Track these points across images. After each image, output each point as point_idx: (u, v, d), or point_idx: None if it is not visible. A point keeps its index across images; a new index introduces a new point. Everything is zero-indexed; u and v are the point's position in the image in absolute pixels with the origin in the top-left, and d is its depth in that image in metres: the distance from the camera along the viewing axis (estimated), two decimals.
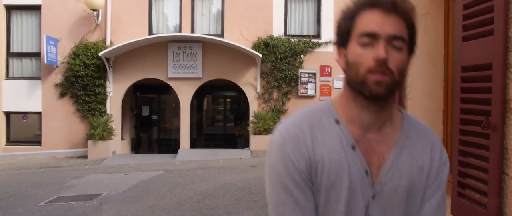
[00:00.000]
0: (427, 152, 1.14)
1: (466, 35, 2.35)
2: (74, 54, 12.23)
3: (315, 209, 1.11)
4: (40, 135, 12.62)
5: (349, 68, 1.06)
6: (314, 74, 12.75)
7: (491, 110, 2.12)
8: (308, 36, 12.91)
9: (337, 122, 1.11)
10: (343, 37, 1.09)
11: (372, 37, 1.01)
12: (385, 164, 1.10)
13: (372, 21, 1.02)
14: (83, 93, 12.26)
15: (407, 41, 1.03)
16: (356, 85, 1.05)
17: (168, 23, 13.20)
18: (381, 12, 1.02)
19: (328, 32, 12.80)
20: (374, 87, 1.01)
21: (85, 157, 11.92)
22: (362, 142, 1.10)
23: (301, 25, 13.19)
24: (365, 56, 1.01)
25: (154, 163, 10.89)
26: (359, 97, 1.07)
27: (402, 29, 1.02)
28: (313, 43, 12.72)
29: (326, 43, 12.75)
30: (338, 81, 12.70)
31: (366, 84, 1.02)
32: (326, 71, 12.77)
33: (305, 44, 12.62)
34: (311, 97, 12.69)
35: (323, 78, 12.77)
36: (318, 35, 12.96)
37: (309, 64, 12.71)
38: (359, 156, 1.08)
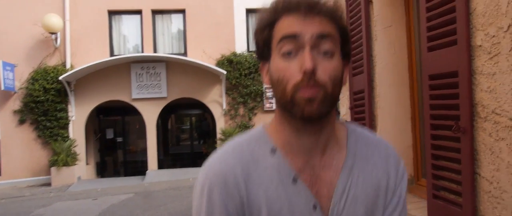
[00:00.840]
0: (381, 168, 0.98)
1: (431, 45, 2.51)
2: (33, 79, 11.88)
3: None
4: None
5: (275, 87, 0.89)
6: None
7: (460, 114, 2.26)
8: None
9: (273, 151, 0.94)
10: (263, 50, 0.93)
11: (294, 42, 0.85)
12: (335, 191, 0.93)
13: (292, 23, 0.86)
14: (44, 118, 11.89)
15: (338, 45, 0.89)
16: (285, 106, 0.88)
17: (129, 43, 13.08)
18: (303, 14, 0.86)
19: None
20: (305, 106, 0.84)
21: (49, 184, 11.52)
22: (305, 172, 0.93)
23: None
24: (290, 70, 0.85)
25: (123, 186, 10.66)
26: (293, 119, 0.90)
27: (329, 28, 0.87)
28: None
29: None
30: None
31: (296, 104, 0.85)
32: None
33: None
34: None
35: None
36: None
37: None
38: (303, 189, 0.91)
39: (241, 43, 12.90)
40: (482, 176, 2.17)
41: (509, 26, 1.94)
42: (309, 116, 0.85)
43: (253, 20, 13.30)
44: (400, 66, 3.48)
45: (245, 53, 12.74)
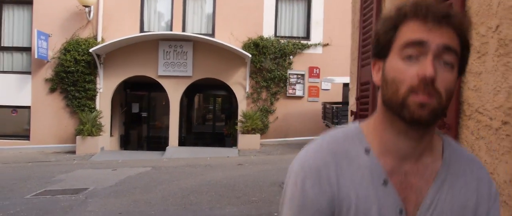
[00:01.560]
0: (472, 188, 0.97)
1: None
2: (65, 50, 12.29)
3: None
4: (29, 130, 12.66)
5: (386, 86, 0.89)
6: (303, 75, 12.93)
7: (446, 111, 2.28)
8: (298, 37, 13.09)
9: (367, 151, 0.95)
10: (382, 48, 0.92)
11: (418, 48, 0.85)
12: (424, 201, 0.93)
13: (419, 29, 0.86)
14: (73, 88, 12.33)
15: (459, 58, 0.88)
16: (394, 107, 0.88)
17: (159, 21, 13.30)
18: (430, 22, 0.85)
19: (318, 34, 13.01)
20: (416, 110, 0.84)
21: (74, 152, 11.98)
22: (396, 176, 0.94)
23: (291, 26, 13.37)
24: (408, 73, 0.85)
25: (142, 160, 11.00)
26: (397, 121, 0.89)
27: (454, 41, 0.86)
28: (303, 45, 12.90)
29: (315, 45, 12.95)
30: (326, 83, 12.89)
31: (406, 106, 0.85)
32: (314, 72, 12.95)
33: (295, 45, 12.80)
34: (300, 97, 12.88)
35: (311, 80, 12.94)
36: (307, 37, 13.15)
37: (298, 65, 12.88)
38: (392, 192, 0.92)
39: (269, 28, 12.93)
40: None
41: (497, 27, 1.94)
42: (418, 120, 0.85)
43: (282, 5, 13.29)
44: None
45: (272, 37, 12.76)
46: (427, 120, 0.85)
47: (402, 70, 0.85)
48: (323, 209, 0.92)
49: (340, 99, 12.41)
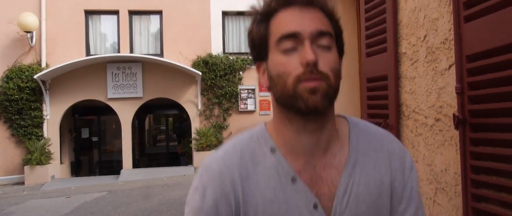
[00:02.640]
0: (385, 164, 0.95)
1: (368, 51, 2.80)
2: (7, 78, 11.85)
3: None
4: None
5: (274, 83, 0.88)
6: (253, 89, 13.19)
7: (388, 113, 2.55)
8: (246, 53, 13.37)
9: (272, 151, 0.93)
10: (260, 49, 0.92)
11: (294, 39, 0.85)
12: (338, 191, 0.90)
13: (290, 20, 0.86)
14: (18, 117, 11.88)
15: (334, 39, 0.89)
16: (287, 101, 0.87)
17: (106, 43, 13.16)
18: (298, 9, 0.87)
19: None
20: (309, 97, 0.83)
21: (22, 183, 11.50)
22: (305, 172, 0.91)
23: (239, 42, 13.63)
24: (291, 64, 0.84)
25: (97, 185, 10.76)
26: (294, 116, 0.89)
27: (326, 24, 0.88)
28: (251, 60, 13.18)
29: None
30: None
31: (298, 96, 0.84)
32: (264, 87, 13.22)
33: (244, 61, 13.06)
34: (251, 112, 13.11)
35: (262, 94, 13.22)
36: None
37: (248, 80, 13.14)
38: (303, 189, 0.89)
39: (217, 44, 13.12)
40: None
41: (425, 36, 2.23)
42: (314, 107, 0.83)
43: (229, 22, 13.56)
44: (351, 70, 3.78)
45: (221, 54, 12.97)
46: (322, 105, 0.84)
47: (285, 63, 0.85)
48: (224, 215, 0.90)
49: None
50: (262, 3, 0.91)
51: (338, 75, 0.87)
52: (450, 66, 2.00)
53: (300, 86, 0.83)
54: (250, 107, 13.11)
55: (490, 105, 1.73)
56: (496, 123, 1.71)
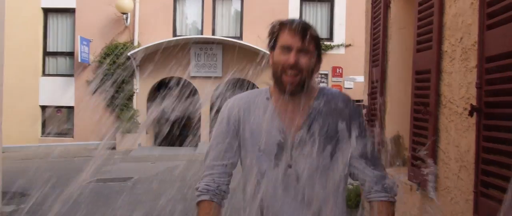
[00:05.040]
0: (336, 112, 1.56)
1: (418, 48, 3.22)
2: (105, 54, 13.31)
3: (243, 149, 1.60)
4: (72, 128, 13.75)
5: (274, 66, 1.54)
6: (326, 74, 13.59)
7: (429, 102, 2.99)
8: (322, 38, 13.68)
9: (267, 99, 1.60)
10: (271, 46, 1.57)
11: (288, 48, 1.49)
12: (303, 123, 1.53)
13: (287, 38, 1.50)
14: (113, 89, 13.34)
15: (314, 50, 1.51)
16: (276, 81, 1.54)
17: (190, 25, 14.20)
18: (292, 32, 1.49)
19: (340, 34, 13.64)
20: (287, 86, 1.50)
21: (114, 148, 12.99)
22: (283, 112, 1.56)
23: (315, 28, 13.99)
24: (282, 59, 1.49)
25: (177, 154, 11.89)
26: (280, 86, 1.53)
27: (307, 43, 1.49)
28: (326, 46, 13.54)
29: (338, 45, 13.59)
30: (349, 82, 13.51)
31: (282, 82, 1.51)
32: (337, 72, 13.59)
33: None
34: None
35: (334, 79, 13.58)
36: (330, 38, 13.79)
37: (322, 65, 13.20)
38: (278, 119, 1.55)
39: None
40: (440, 148, 2.90)
41: (461, 38, 2.64)
42: (289, 91, 1.51)
43: (306, 8, 13.97)
44: (407, 62, 4.17)
45: None
46: (294, 90, 1.50)
47: (280, 58, 1.50)
48: (232, 121, 1.61)
49: (362, 97, 12.98)
50: (277, 23, 1.58)
51: (310, 70, 1.51)
52: (476, 65, 2.41)
53: (283, 76, 1.50)
54: None
55: (502, 98, 2.15)
56: (506, 112, 2.13)
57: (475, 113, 2.32)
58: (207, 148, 1.68)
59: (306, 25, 1.53)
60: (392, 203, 1.53)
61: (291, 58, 1.47)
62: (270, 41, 1.58)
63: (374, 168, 1.55)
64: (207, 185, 1.61)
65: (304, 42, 1.49)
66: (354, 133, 1.55)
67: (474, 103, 2.34)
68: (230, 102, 1.67)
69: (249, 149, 1.59)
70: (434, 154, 2.95)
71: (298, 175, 1.53)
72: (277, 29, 1.55)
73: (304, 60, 1.49)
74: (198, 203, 1.60)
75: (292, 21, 1.53)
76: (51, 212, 5.37)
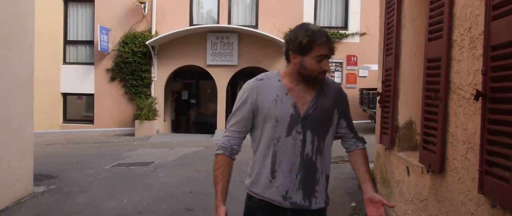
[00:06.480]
0: (331, 93, 2.06)
1: (429, 37, 3.39)
2: (124, 43, 13.62)
3: (260, 121, 1.99)
4: (92, 115, 14.15)
5: (304, 69, 1.89)
6: (341, 63, 13.72)
7: (439, 88, 3.17)
8: (336, 27, 13.85)
9: (279, 80, 1.99)
10: (302, 51, 1.88)
11: (323, 56, 1.89)
12: (309, 103, 1.97)
13: (324, 48, 1.89)
14: (131, 77, 13.67)
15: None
16: (307, 78, 1.93)
17: (207, 14, 14.41)
18: (325, 44, 1.88)
19: (355, 23, 13.73)
20: (320, 81, 1.96)
21: (133, 134, 13.35)
22: (293, 92, 1.96)
23: (329, 17, 14.14)
24: (318, 66, 1.88)
25: (194, 141, 12.19)
26: (302, 79, 1.94)
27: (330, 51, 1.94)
28: (341, 34, 13.66)
29: (353, 34, 13.69)
30: (363, 70, 13.62)
31: (317, 79, 1.93)
32: (352, 60, 13.70)
33: (333, 35, 13.56)
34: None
35: (349, 67, 13.71)
36: (345, 27, 13.89)
37: (337, 54, 13.56)
38: (290, 97, 1.96)
39: (308, 18, 13.71)
40: (450, 132, 3.08)
41: (469, 28, 2.81)
42: (319, 84, 1.99)
43: None
44: (420, 50, 4.33)
45: None
46: (322, 83, 2.00)
47: (315, 65, 1.89)
48: (250, 100, 1.98)
49: (376, 85, 13.08)
50: (311, 32, 1.91)
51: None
52: (483, 53, 2.58)
53: (319, 76, 1.94)
54: (337, 80, 13.66)
55: (506, 84, 2.32)
56: (509, 97, 2.31)
57: (480, 98, 2.50)
58: (230, 115, 2.09)
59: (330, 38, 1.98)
60: (365, 149, 2.18)
61: (327, 65, 1.93)
62: (300, 47, 1.89)
63: (353, 132, 2.18)
64: (223, 143, 2.11)
65: (333, 52, 1.95)
66: (342, 110, 2.14)
67: (480, 89, 2.52)
68: (250, 83, 2.06)
69: (268, 120, 1.99)
70: (442, 137, 3.13)
71: (305, 138, 2.01)
72: (312, 40, 1.88)
73: (328, 63, 1.96)
74: (216, 155, 2.12)
75: (323, 33, 1.92)
76: (82, 192, 5.76)
